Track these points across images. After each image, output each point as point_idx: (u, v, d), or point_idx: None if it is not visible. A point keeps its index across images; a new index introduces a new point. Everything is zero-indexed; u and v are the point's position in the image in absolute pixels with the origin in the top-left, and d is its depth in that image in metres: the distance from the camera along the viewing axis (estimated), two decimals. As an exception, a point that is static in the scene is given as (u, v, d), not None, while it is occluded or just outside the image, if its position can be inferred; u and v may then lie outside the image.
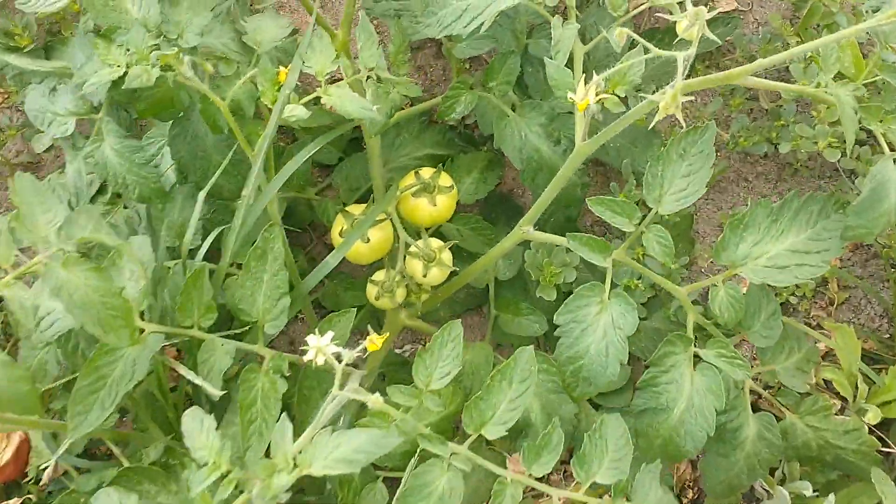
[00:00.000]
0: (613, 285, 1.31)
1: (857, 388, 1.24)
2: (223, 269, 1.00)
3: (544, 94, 1.32)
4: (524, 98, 1.31)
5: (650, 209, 1.05)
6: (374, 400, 0.86)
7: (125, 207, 1.32)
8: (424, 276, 1.13)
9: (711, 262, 1.44)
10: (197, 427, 0.80)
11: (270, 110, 0.99)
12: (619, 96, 1.01)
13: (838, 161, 1.35)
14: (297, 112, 0.97)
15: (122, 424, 1.28)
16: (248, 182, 0.97)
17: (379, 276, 1.17)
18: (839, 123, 1.32)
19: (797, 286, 1.43)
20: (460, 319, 1.47)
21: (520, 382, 0.98)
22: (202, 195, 1.01)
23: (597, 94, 0.88)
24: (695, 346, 1.09)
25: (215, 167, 1.08)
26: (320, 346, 0.87)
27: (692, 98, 0.88)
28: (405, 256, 1.14)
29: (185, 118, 1.10)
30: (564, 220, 1.38)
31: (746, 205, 1.47)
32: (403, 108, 1.33)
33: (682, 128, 1.47)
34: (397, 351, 1.43)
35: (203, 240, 1.09)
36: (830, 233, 1.04)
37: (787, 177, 1.44)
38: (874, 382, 1.25)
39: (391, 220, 1.12)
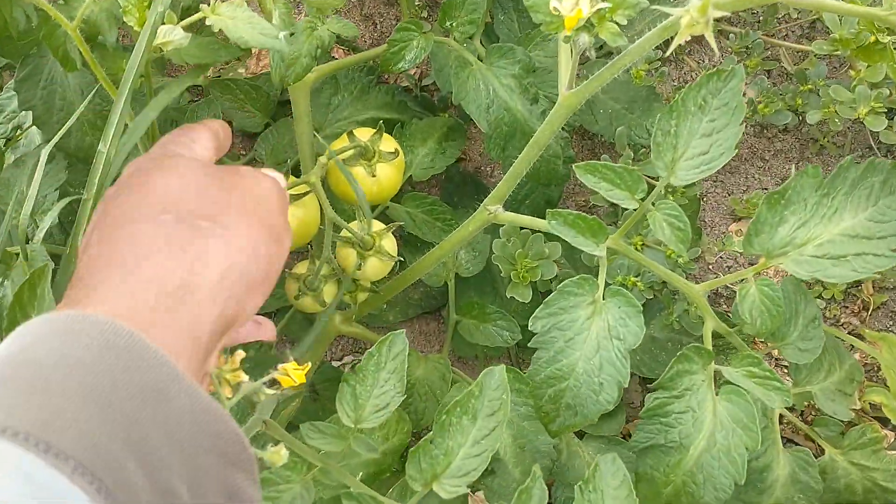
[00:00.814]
0: (606, 283, 1.06)
1: (911, 414, 0.99)
2: (71, 258, 0.71)
3: (521, 45, 1.05)
4: (494, 50, 1.04)
5: (658, 181, 0.78)
6: (275, 456, 0.59)
7: None
8: (359, 268, 0.86)
9: (720, 256, 1.19)
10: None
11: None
12: (619, 24, 0.74)
13: (877, 134, 1.10)
14: (173, 37, 0.69)
15: None
16: (105, 135, 0.69)
17: (300, 268, 0.89)
18: (884, 83, 1.07)
19: (823, 287, 1.18)
20: (415, 325, 1.22)
21: (488, 416, 0.70)
22: (45, 152, 0.72)
23: (592, 5, 0.61)
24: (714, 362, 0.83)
25: (80, 119, 0.80)
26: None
27: (727, 14, 0.61)
28: (335, 243, 0.87)
29: (39, 54, 0.82)
30: (543, 203, 1.11)
31: (762, 189, 1.21)
32: (336, 56, 1.05)
33: (710, 66, 1.21)
34: (335, 364, 1.16)
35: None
36: (897, 212, 0.78)
37: (812, 155, 1.19)
38: (931, 407, 1.00)
39: (316, 194, 0.84)
